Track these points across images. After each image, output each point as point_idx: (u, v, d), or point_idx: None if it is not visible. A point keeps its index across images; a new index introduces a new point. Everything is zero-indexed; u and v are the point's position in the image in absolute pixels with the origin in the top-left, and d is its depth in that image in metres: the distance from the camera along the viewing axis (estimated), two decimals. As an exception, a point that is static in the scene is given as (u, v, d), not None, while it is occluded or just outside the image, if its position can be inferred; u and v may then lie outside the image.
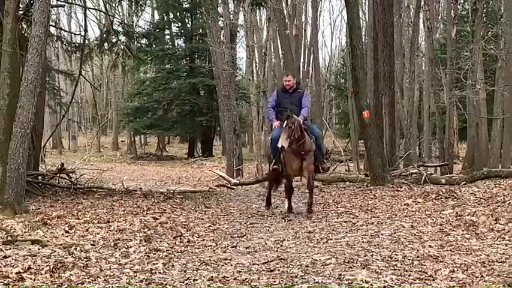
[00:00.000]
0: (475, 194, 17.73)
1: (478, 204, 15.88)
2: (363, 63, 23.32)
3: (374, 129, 22.26)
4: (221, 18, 38.19)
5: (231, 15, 40.46)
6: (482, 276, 8.14)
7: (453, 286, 7.65)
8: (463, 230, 12.44)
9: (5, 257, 10.37)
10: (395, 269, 8.83)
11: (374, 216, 14.93)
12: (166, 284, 8.52)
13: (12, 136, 15.53)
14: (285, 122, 14.73)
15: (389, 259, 9.63)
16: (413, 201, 16.88)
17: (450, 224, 13.21)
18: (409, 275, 8.41)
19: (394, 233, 12.35)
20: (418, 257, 9.75)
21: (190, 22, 45.49)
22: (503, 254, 9.84)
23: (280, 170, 15.91)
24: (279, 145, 14.47)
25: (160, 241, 12.02)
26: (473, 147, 30.40)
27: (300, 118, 15.36)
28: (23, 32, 19.40)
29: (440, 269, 8.71)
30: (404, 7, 37.67)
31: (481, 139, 29.67)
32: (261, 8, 29.12)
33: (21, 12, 19.27)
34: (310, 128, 16.05)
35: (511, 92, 27.22)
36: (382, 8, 24.99)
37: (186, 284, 8.53)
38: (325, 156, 18.38)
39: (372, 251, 10.45)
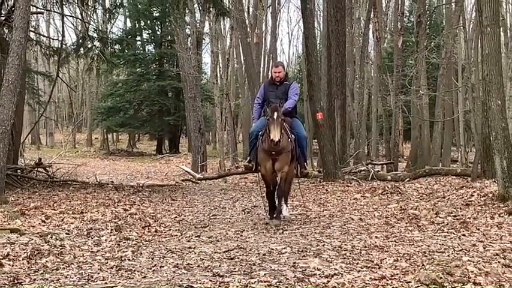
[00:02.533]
0: (417, 190, 17.88)
1: (420, 199, 16.01)
2: (317, 69, 23.53)
3: (327, 129, 22.41)
4: (188, 26, 38.07)
5: (197, 24, 40.30)
6: (423, 264, 8.19)
7: (397, 274, 7.69)
8: (406, 223, 12.51)
9: (-15, 244, 10.28)
10: (344, 258, 8.86)
11: (326, 209, 14.98)
12: (135, 270, 8.47)
13: (-6, 132, 15.41)
14: (275, 113, 12.12)
15: (339, 249, 9.65)
16: (361, 196, 16.97)
17: (395, 217, 13.29)
18: (357, 263, 8.44)
19: (344, 225, 12.40)
20: (365, 247, 9.78)
21: (159, 29, 45.42)
22: (443, 244, 9.90)
23: (253, 168, 13.41)
24: (275, 138, 11.88)
25: (130, 231, 11.97)
26: (417, 147, 30.63)
27: (282, 109, 12.58)
28: (4, 37, 19.25)
29: (386, 258, 8.75)
30: (355, 18, 37.85)
31: (424, 140, 29.92)
32: (225, 17, 29.12)
33: (2, 18, 19.14)
34: (292, 125, 13.19)
35: (450, 97, 27.71)
36: (335, 20, 25.12)
37: (153, 270, 8.50)
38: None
39: (324, 241, 10.47)
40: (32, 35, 22.40)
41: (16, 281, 7.98)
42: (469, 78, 27.23)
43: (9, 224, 12.36)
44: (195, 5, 28.56)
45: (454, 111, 29.62)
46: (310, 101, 23.27)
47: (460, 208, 14.03)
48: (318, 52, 27.23)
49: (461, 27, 29.79)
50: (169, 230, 11.77)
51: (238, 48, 45.64)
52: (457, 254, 9.06)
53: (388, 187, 18.25)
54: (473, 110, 26.92)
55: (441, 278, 7.16)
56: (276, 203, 13.12)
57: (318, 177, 22.32)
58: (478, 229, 11.40)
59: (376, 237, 10.82)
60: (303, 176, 14.10)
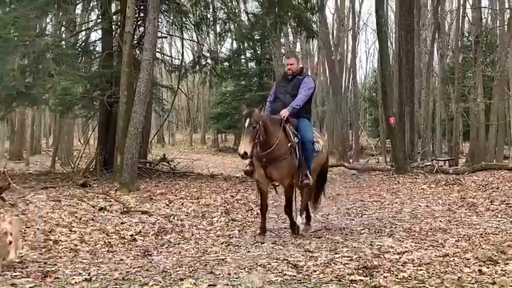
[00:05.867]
0: (475, 182, 17.50)
1: (478, 189, 15.67)
2: (390, 82, 23.40)
3: (398, 131, 22.23)
4: (283, 46, 38.19)
5: (291, 44, 40.40)
6: (480, 244, 8.04)
7: (458, 252, 7.56)
8: (465, 209, 12.30)
9: (122, 223, 10.53)
10: (413, 238, 8.76)
11: (397, 198, 14.82)
12: (240, 246, 8.56)
13: (128, 133, 15.79)
14: (246, 120, 8.82)
15: (409, 230, 9.55)
16: (427, 187, 16.72)
17: (456, 204, 13.08)
18: (424, 243, 8.33)
19: (413, 211, 12.26)
20: (431, 229, 9.65)
21: (260, 49, 45.51)
22: (497, 228, 9.71)
23: (253, 173, 9.71)
24: (240, 151, 8.67)
25: (236, 213, 12.09)
26: (474, 146, 30.00)
27: (285, 111, 9.31)
28: (136, 56, 19.63)
29: (448, 239, 8.62)
30: (422, 39, 37.29)
31: (480, 140, 29.26)
32: (313, 39, 29.04)
33: (135, 42, 19.52)
34: (298, 126, 9.54)
35: (503, 104, 27.28)
36: (405, 40, 24.86)
37: (256, 246, 8.56)
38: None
39: (396, 224, 10.38)
40: (158, 55, 22.76)
41: (146, 253, 8.16)
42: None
43: (140, 207, 12.61)
44: (289, 29, 28.54)
45: (506, 115, 28.85)
46: (385, 107, 23.25)
47: (512, 197, 13.71)
48: (391, 67, 26.88)
49: (513, 45, 29.20)
50: (268, 213, 11.85)
51: (324, 64, 45.50)
52: (509, 235, 8.88)
53: (450, 179, 17.94)
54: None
55: (496, 256, 7.03)
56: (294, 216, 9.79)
57: (391, 170, 22.07)
58: (527, 215, 11.14)
59: (440, 221, 10.66)
60: (302, 187, 9.62)
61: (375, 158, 36.40)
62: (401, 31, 25.64)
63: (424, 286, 5.87)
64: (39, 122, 47.13)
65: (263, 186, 9.51)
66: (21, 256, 7.75)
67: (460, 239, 8.63)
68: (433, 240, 8.58)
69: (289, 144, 9.19)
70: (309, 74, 10.57)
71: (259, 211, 10.37)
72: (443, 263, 6.91)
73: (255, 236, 9.35)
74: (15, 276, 6.65)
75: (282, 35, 29.23)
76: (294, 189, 9.76)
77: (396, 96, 25.88)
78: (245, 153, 8.62)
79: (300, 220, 9.92)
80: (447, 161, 27.26)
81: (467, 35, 37.94)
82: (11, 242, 6.52)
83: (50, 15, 20.80)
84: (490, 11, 36.15)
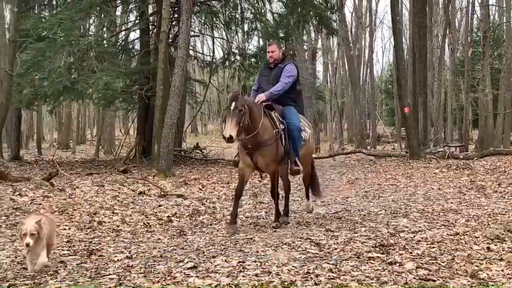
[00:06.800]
0: (484, 166, 17.33)
1: (486, 173, 15.51)
2: (405, 74, 23.23)
3: (412, 120, 22.08)
4: (305, 43, 38.01)
5: (312, 41, 40.20)
6: (488, 224, 7.97)
7: (468, 231, 7.51)
8: (475, 191, 12.18)
9: (159, 205, 10.60)
10: (427, 218, 8.70)
11: (412, 181, 14.72)
12: (267, 226, 8.57)
13: (164, 124, 15.87)
14: (232, 103, 7.87)
15: (422, 211, 9.49)
16: (439, 171, 16.58)
17: (466, 187, 12.96)
18: (436, 223, 8.28)
19: (426, 193, 12.17)
20: (443, 210, 9.58)
21: (284, 46, 45.55)
22: (504, 208, 9.60)
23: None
24: (225, 134, 7.69)
25: (263, 196, 12.11)
26: (483, 133, 29.72)
27: (261, 96, 8.45)
28: (171, 54, 19.69)
29: (459, 219, 8.55)
30: (434, 35, 37.01)
31: (488, 127, 28.98)
32: (333, 36, 28.94)
33: (170, 41, 19.57)
34: (284, 113, 8.61)
35: (509, 94, 27.15)
36: (418, 36, 24.69)
37: (288, 226, 8.58)
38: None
39: (410, 205, 10.32)
40: (191, 52, 22.81)
41: (182, 233, 8.20)
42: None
43: (176, 191, 12.68)
44: (311, 27, 28.40)
45: (512, 105, 28.67)
46: (400, 98, 23.19)
47: (518, 180, 13.58)
48: (405, 61, 26.66)
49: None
50: (292, 196, 11.82)
51: (343, 59, 45.27)
52: (516, 216, 8.78)
53: (460, 164, 17.78)
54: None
55: (503, 234, 6.97)
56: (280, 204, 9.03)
57: (405, 156, 21.89)
58: (533, 197, 11.02)
59: (451, 202, 10.58)
60: (293, 174, 8.75)
61: (391, 145, 36.31)
62: (415, 28, 25.50)
63: (436, 262, 5.85)
64: (84, 115, 47.63)
65: (245, 173, 8.49)
66: (69, 236, 7.85)
67: (469, 219, 8.56)
68: (444, 220, 8.53)
69: (275, 131, 8.21)
70: (291, 60, 8.52)
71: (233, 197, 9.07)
72: (454, 241, 6.88)
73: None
74: (64, 254, 6.74)
75: (305, 32, 29.05)
76: (277, 175, 8.63)
77: (410, 88, 25.71)
78: (230, 136, 7.67)
79: (309, 203, 9.61)
80: (458, 147, 27.00)
81: (476, 30, 37.58)
82: (28, 245, 5.47)
83: (93, 17, 20.95)
84: (497, 8, 35.94)
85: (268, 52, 8.89)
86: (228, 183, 14.35)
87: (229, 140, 7.69)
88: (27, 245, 5.47)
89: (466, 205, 10.22)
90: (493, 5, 34.15)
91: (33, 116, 39.49)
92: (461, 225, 8.07)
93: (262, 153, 8.17)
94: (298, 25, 21.28)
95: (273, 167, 8.32)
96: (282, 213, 8.93)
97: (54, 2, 20.78)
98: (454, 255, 6.13)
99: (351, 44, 40.85)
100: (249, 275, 5.37)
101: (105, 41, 20.61)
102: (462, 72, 33.97)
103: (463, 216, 8.81)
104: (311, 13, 21.28)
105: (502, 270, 5.62)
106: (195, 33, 24.77)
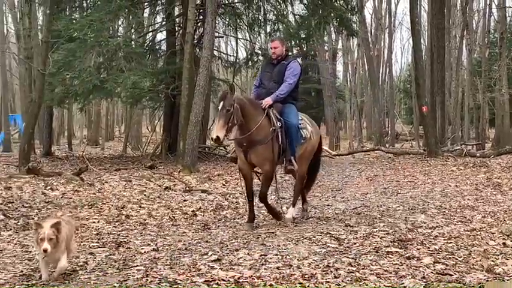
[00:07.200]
0: (500, 164, 17.17)
1: (502, 171, 15.35)
2: (423, 74, 23.15)
3: (430, 118, 21.96)
4: (326, 44, 37.96)
5: (333, 42, 40.14)
6: (504, 220, 7.91)
7: (484, 227, 7.45)
8: (491, 189, 12.06)
9: (184, 200, 10.65)
10: (444, 214, 8.64)
11: (429, 178, 14.61)
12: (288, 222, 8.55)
13: (189, 122, 15.93)
14: (221, 102, 7.50)
15: (440, 207, 9.42)
16: (457, 168, 16.45)
17: (482, 184, 12.83)
18: (453, 219, 8.22)
19: (443, 190, 12.07)
20: (460, 206, 9.51)
21: (305, 46, 45.32)
22: (520, 205, 9.52)
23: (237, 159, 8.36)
24: (212, 135, 7.47)
25: (285, 192, 12.07)
26: (499, 132, 29.49)
27: (268, 100, 7.95)
28: (196, 54, 19.74)
29: (475, 215, 8.49)
30: (452, 36, 36.71)
31: (505, 126, 28.73)
32: (353, 37, 28.82)
33: (195, 41, 19.62)
34: (282, 111, 8.06)
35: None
36: (437, 37, 24.48)
37: (302, 221, 8.56)
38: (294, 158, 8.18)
39: (428, 202, 10.24)
40: (215, 52, 22.85)
41: (206, 227, 8.22)
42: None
43: (200, 186, 12.72)
44: (331, 28, 28.30)
45: (529, 104, 28.46)
46: (418, 97, 23.00)
47: (534, 178, 13.42)
48: (423, 61, 26.55)
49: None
50: (312, 192, 11.77)
51: (363, 59, 45.09)
52: (532, 213, 8.69)
53: (477, 162, 17.64)
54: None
55: (519, 230, 6.92)
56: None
57: (423, 154, 21.75)
58: (549, 194, 10.89)
59: (468, 199, 10.49)
60: (287, 173, 8.59)
61: (409, 142, 36.06)
62: (433, 29, 25.30)
63: (453, 257, 5.81)
64: (112, 112, 47.97)
65: (246, 172, 8.15)
66: (98, 229, 7.91)
67: (486, 215, 8.49)
68: (461, 216, 8.46)
69: (271, 129, 7.79)
70: (295, 57, 7.95)
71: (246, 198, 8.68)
72: (471, 237, 6.83)
73: (300, 212, 9.24)
74: (93, 246, 6.79)
75: (325, 33, 28.98)
76: (275, 175, 8.48)
77: (428, 87, 25.55)
78: (217, 137, 7.31)
79: (292, 212, 8.65)
80: (475, 146, 26.82)
81: (493, 32, 37.25)
82: (45, 251, 4.94)
83: (121, 19, 21.05)
84: (514, 10, 35.57)
85: (271, 48, 8.40)
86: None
87: (216, 141, 7.40)
88: (45, 251, 4.95)
89: (483, 202, 10.13)
90: (509, 7, 33.94)
91: (64, 114, 39.87)
92: (477, 221, 8.01)
93: (257, 151, 7.79)
94: (319, 26, 21.19)
95: (267, 165, 7.92)
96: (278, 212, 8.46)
97: (84, 4, 20.93)
98: (470, 251, 6.09)
99: (371, 45, 40.67)
100: (270, 267, 5.39)
101: (133, 42, 20.74)
102: (479, 72, 33.74)
103: (479, 213, 8.74)
104: (332, 15, 21.19)
105: (518, 265, 5.57)
106: (220, 34, 24.80)
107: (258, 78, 8.75)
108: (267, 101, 7.94)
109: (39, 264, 5.30)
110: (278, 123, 7.87)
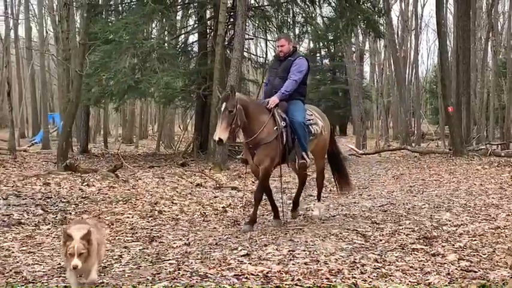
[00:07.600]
0: (525, 164, 16.94)
1: (527, 170, 15.15)
2: (449, 75, 22.95)
3: (455, 119, 21.73)
4: (353, 45, 37.77)
5: (360, 43, 39.91)
6: (529, 219, 7.81)
7: (508, 225, 7.35)
8: (516, 188, 11.91)
9: (215, 197, 10.70)
10: (469, 212, 8.55)
11: (454, 177, 14.45)
12: (315, 218, 8.53)
13: (220, 121, 15.91)
14: (223, 104, 7.29)
15: (465, 206, 9.31)
16: (481, 168, 16.24)
17: (507, 183, 12.65)
18: (478, 217, 8.13)
19: (468, 188, 11.93)
20: (484, 205, 9.39)
21: (333, 48, 45.14)
22: (545, 204, 9.37)
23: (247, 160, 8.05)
24: (215, 137, 7.29)
25: (312, 190, 12.02)
26: (524, 132, 29.20)
27: (274, 99, 7.67)
28: (227, 56, 19.78)
29: (500, 213, 8.38)
30: (477, 38, 36.29)
31: (530, 126, 28.43)
32: (380, 38, 28.63)
33: (226, 43, 19.67)
34: (288, 109, 7.75)
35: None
36: (462, 38, 24.19)
37: (329, 218, 8.54)
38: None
39: (453, 200, 10.13)
40: (245, 54, 22.87)
41: (235, 222, 8.26)
42: None
43: (230, 183, 12.76)
44: (359, 30, 28.14)
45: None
46: (444, 98, 22.78)
47: (559, 178, 13.20)
48: (449, 63, 26.28)
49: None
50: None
51: (389, 60, 44.71)
52: (556, 212, 8.55)
53: (502, 161, 17.40)
54: None
55: (543, 229, 6.82)
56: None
57: (449, 153, 21.51)
58: None
59: (493, 197, 10.36)
60: (300, 168, 7.92)
61: (435, 142, 35.70)
62: (459, 31, 25.02)
63: (477, 254, 5.75)
64: (146, 112, 48.25)
65: (258, 174, 7.86)
66: (132, 224, 7.98)
67: (510, 213, 8.37)
68: (486, 214, 8.36)
69: (275, 128, 7.52)
70: (302, 54, 7.68)
71: (266, 200, 8.55)
72: (495, 235, 6.75)
73: (328, 209, 9.23)
74: (127, 240, 6.86)
75: (353, 35, 28.83)
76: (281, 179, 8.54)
77: (454, 88, 25.28)
78: (220, 139, 7.16)
79: (319, 207, 8.74)
80: (499, 145, 26.44)
81: (518, 33, 36.73)
82: (76, 267, 4.32)
83: (155, 21, 21.19)
84: (539, 12, 35.07)
85: (278, 47, 8.07)
86: (279, 176, 14.32)
87: (219, 142, 7.27)
88: (75, 267, 4.34)
89: (507, 200, 9.99)
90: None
91: (100, 113, 40.25)
92: (502, 219, 7.90)
93: (260, 149, 7.53)
94: (346, 28, 21.09)
95: (266, 162, 7.55)
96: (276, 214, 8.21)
97: (120, 8, 21.12)
98: (494, 248, 6.02)
99: (397, 46, 40.32)
100: (298, 263, 5.39)
101: (166, 44, 20.86)
102: (504, 73, 33.30)
103: (503, 211, 8.63)
104: (359, 17, 21.08)
105: (542, 263, 5.49)
106: (250, 36, 24.80)
107: (268, 76, 8.46)
108: (273, 100, 7.67)
109: (66, 274, 4.76)
110: (282, 122, 7.61)
